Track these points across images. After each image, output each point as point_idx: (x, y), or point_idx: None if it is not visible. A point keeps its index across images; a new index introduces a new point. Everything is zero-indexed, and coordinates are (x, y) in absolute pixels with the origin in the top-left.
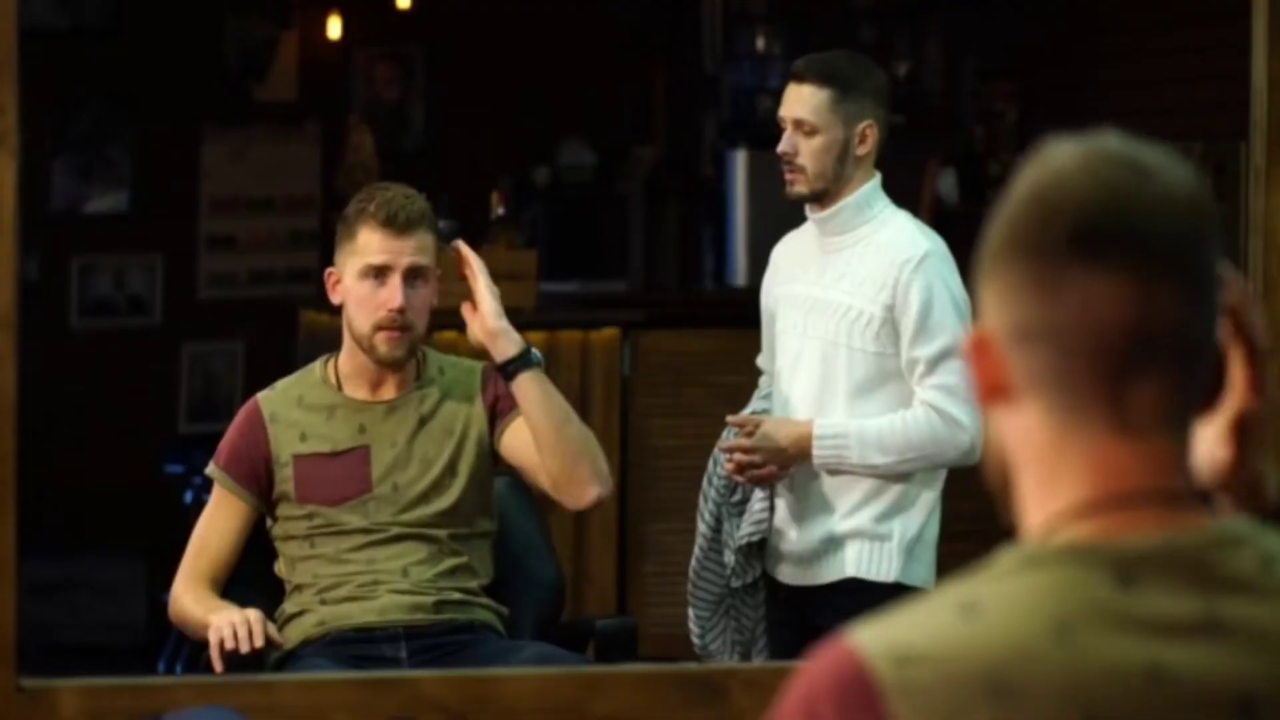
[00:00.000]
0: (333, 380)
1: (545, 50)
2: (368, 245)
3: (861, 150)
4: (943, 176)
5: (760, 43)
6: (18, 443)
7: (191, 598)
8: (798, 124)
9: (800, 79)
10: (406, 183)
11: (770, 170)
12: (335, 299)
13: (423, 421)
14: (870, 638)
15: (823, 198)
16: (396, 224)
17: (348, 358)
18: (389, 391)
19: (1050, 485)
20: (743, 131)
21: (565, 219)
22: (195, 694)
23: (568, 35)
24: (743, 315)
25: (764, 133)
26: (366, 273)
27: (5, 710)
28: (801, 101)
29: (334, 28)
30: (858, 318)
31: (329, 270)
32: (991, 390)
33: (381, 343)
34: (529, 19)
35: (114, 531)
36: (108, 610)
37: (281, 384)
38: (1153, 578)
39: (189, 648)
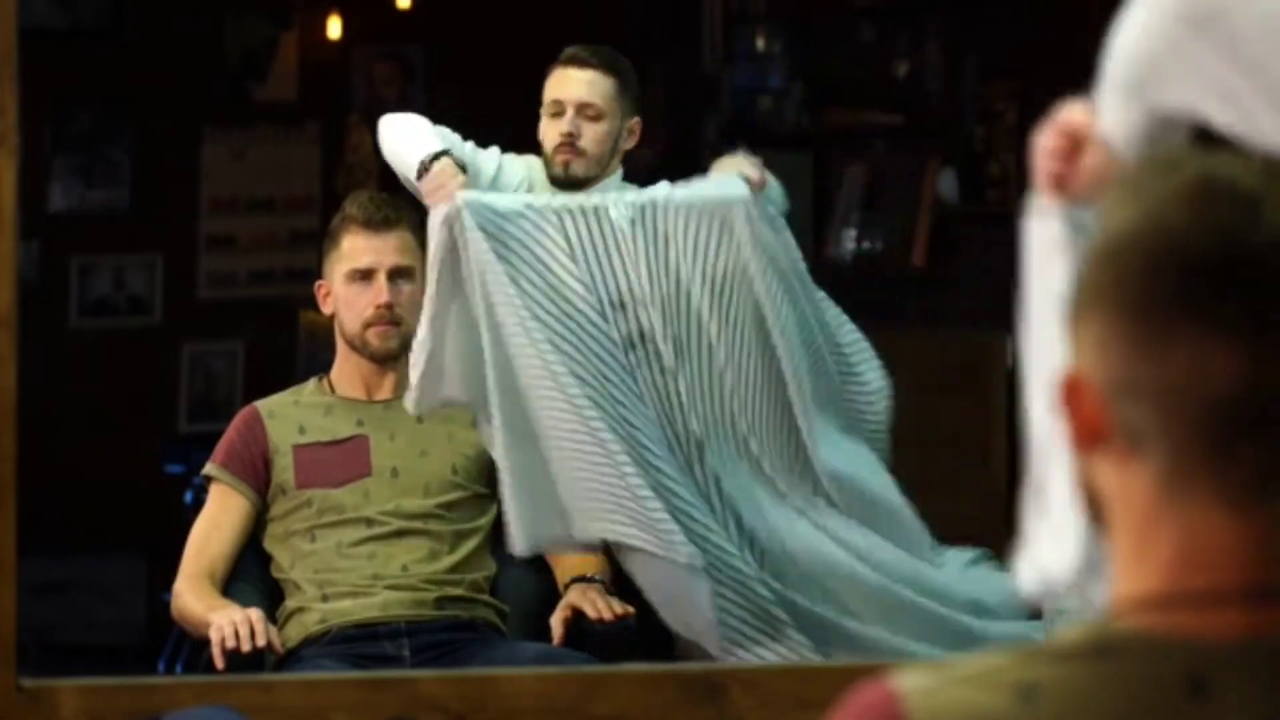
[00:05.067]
0: (327, 390)
1: (545, 50)
2: (352, 249)
3: (629, 144)
4: (943, 176)
5: (760, 43)
6: (18, 443)
7: (193, 595)
8: (582, 107)
9: (583, 64)
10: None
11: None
12: (327, 310)
13: (419, 419)
14: (920, 702)
15: (585, 184)
16: (375, 222)
17: (341, 366)
18: (384, 393)
19: (1142, 555)
20: (743, 132)
21: None
22: (195, 694)
23: (568, 35)
24: None
25: (764, 133)
26: (353, 276)
27: (5, 710)
28: (588, 85)
29: (334, 28)
30: None
31: (319, 283)
32: (1087, 436)
33: (373, 337)
34: (529, 19)
35: (114, 531)
36: (108, 610)
37: (275, 395)
38: (1229, 684)
39: (189, 647)
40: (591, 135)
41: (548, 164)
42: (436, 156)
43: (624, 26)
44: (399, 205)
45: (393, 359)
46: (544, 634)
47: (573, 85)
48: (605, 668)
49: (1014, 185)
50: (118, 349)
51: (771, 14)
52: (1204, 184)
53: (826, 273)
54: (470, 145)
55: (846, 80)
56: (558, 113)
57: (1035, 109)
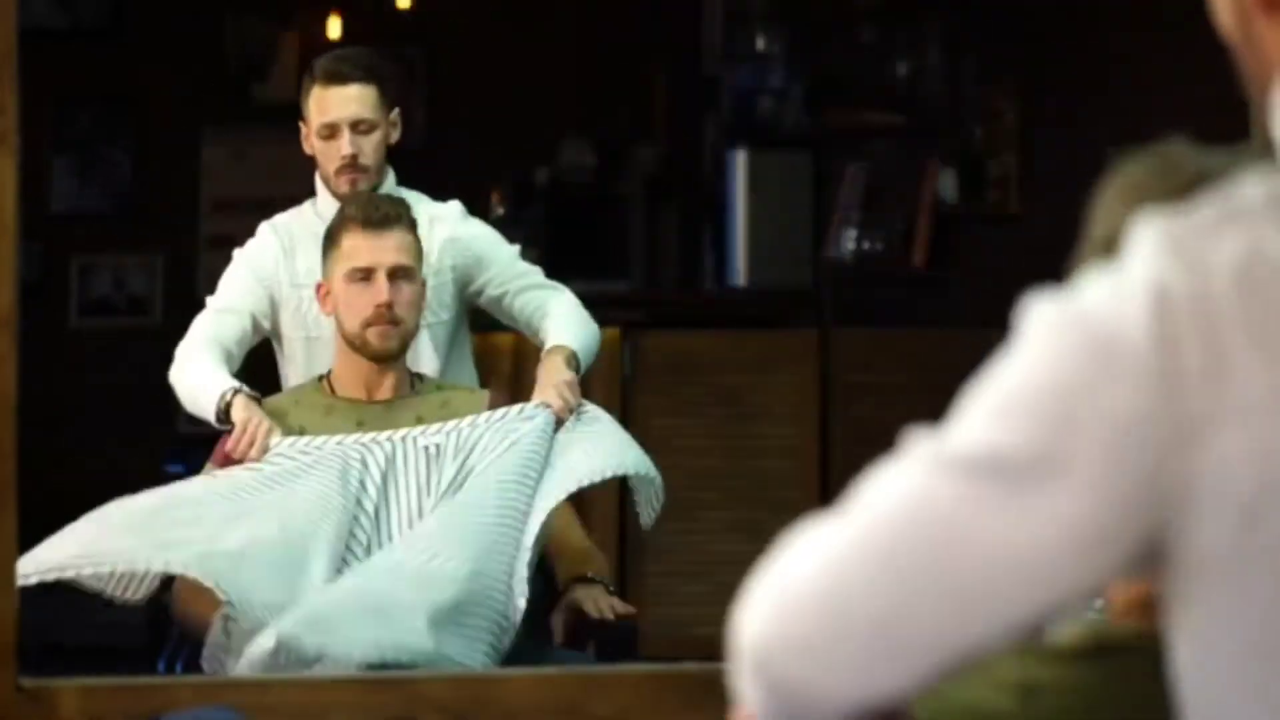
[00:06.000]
0: (327, 390)
1: (545, 50)
2: (352, 250)
3: (395, 136)
4: (943, 176)
5: (760, 43)
6: (18, 442)
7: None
8: (356, 124)
9: (345, 80)
10: (407, 183)
11: (770, 170)
12: (326, 310)
13: (419, 420)
14: (921, 701)
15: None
16: (375, 221)
17: (341, 366)
18: (384, 393)
19: None
20: (743, 132)
21: (565, 219)
22: (195, 694)
23: (567, 35)
24: (743, 315)
25: (764, 133)
26: (353, 276)
27: (5, 710)
28: (358, 102)
29: (334, 28)
30: (432, 289)
31: (318, 283)
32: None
33: (373, 337)
34: (529, 19)
35: None
36: (108, 610)
37: (275, 396)
38: None
39: (189, 648)
40: (370, 148)
41: (328, 183)
42: (233, 396)
43: (624, 27)
44: (399, 204)
45: (392, 359)
46: (544, 634)
47: (341, 105)
48: (605, 668)
49: (1014, 185)
50: (118, 349)
51: (771, 14)
52: (1201, 184)
53: (826, 273)
54: (240, 280)
55: (846, 80)
56: (331, 135)
57: (1035, 109)
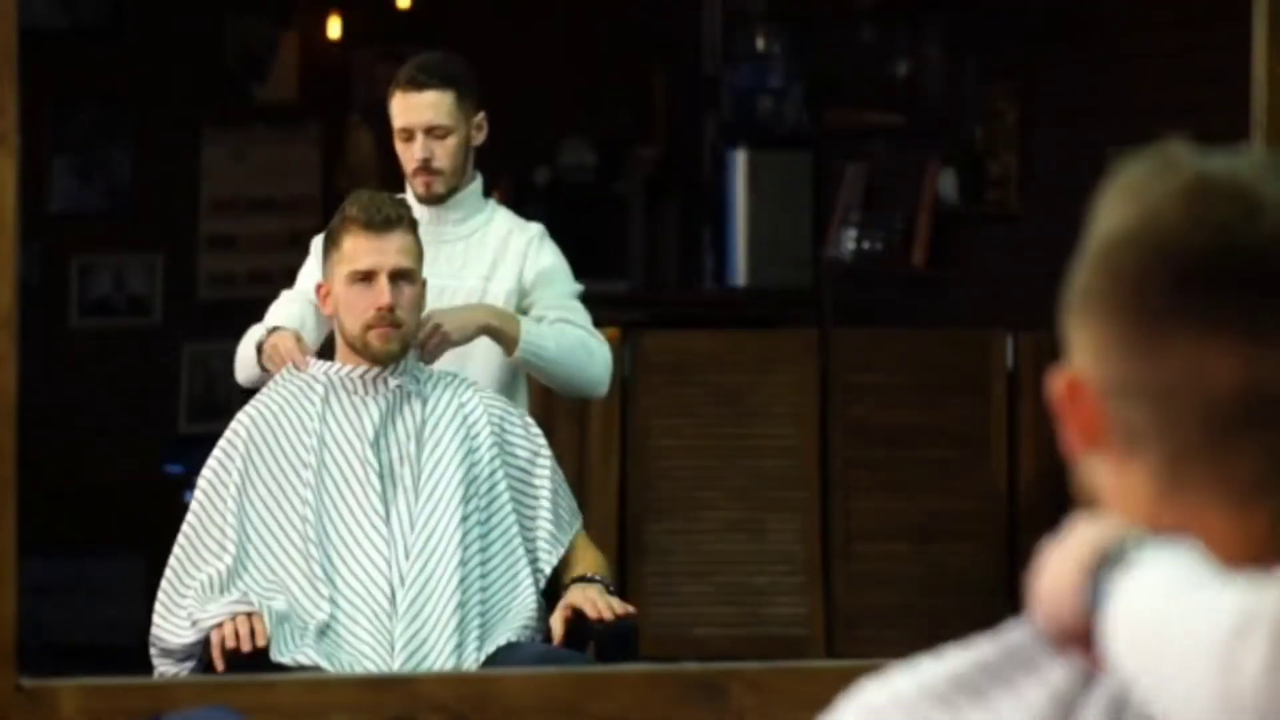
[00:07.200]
0: None
1: (545, 50)
2: (353, 251)
3: (478, 141)
4: (943, 176)
5: (760, 43)
6: (18, 442)
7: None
8: (430, 130)
9: (421, 86)
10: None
11: (770, 170)
12: (327, 311)
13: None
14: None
15: (446, 199)
16: (376, 223)
17: (341, 365)
18: None
19: None
20: (743, 132)
21: (565, 219)
22: (195, 694)
23: (568, 35)
24: (743, 315)
25: (764, 133)
26: (354, 278)
27: (5, 710)
28: (432, 108)
29: (334, 28)
30: (497, 299)
31: (318, 283)
32: (1087, 436)
33: (374, 339)
34: (529, 19)
35: (114, 531)
36: (108, 610)
37: None
38: None
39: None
40: (444, 153)
41: (408, 184)
42: (270, 334)
43: (624, 27)
44: (400, 205)
45: (393, 360)
46: (544, 634)
47: (416, 110)
48: (605, 668)
49: (1014, 185)
50: (118, 349)
51: (771, 14)
52: (1201, 183)
53: (826, 273)
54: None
55: (846, 80)
56: (408, 138)
57: (1035, 109)
